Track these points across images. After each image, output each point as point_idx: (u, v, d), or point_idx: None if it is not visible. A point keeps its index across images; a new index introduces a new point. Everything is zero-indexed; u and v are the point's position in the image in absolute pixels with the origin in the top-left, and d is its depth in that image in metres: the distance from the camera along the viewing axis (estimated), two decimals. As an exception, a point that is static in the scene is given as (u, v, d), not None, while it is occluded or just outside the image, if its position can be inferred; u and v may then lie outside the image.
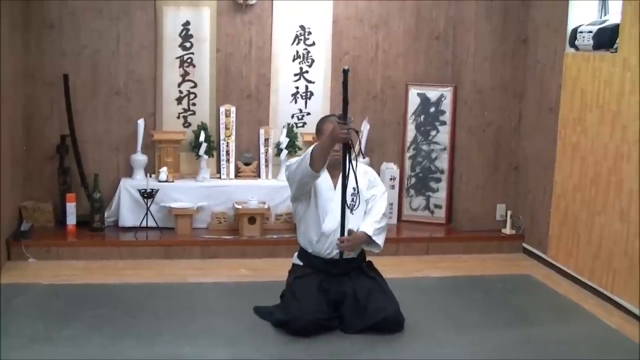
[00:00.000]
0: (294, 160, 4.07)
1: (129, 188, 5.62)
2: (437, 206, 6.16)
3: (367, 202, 4.21)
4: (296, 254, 4.29)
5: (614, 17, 4.88)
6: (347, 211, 3.99)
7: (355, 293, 4.06)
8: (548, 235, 5.47)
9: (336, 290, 4.08)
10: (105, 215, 5.64)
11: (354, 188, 4.04)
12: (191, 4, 5.79)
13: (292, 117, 6.05)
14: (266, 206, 5.66)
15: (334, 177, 4.11)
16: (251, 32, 5.93)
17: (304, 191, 4.06)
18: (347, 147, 3.80)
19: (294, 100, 6.05)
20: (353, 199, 4.10)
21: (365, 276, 4.15)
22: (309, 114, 6.04)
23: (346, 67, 3.69)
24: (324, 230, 4.08)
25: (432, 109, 6.12)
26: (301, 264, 4.21)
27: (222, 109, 5.92)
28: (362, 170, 4.24)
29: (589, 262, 4.92)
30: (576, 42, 5.06)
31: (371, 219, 4.15)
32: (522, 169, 5.97)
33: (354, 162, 3.87)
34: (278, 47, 5.97)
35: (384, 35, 6.09)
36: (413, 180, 6.18)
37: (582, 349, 3.97)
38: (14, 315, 4.13)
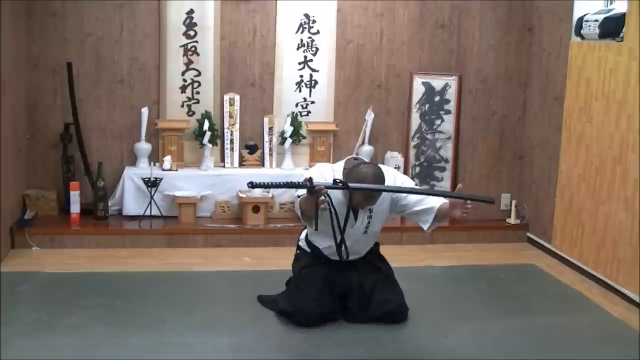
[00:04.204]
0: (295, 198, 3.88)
1: (132, 176, 5.62)
2: (442, 195, 6.14)
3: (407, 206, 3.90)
4: (303, 236, 4.16)
5: (620, 6, 4.84)
6: (363, 231, 3.92)
7: (362, 285, 4.03)
8: (552, 224, 5.46)
9: (342, 283, 4.04)
10: (109, 204, 5.65)
11: (370, 210, 3.85)
12: (195, -8, 5.77)
13: (297, 105, 6.03)
14: (270, 195, 5.65)
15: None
16: (255, 20, 5.90)
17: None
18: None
19: (298, 89, 6.02)
20: (369, 221, 3.91)
21: (372, 267, 4.10)
22: (313, 102, 6.02)
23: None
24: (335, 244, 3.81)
25: (437, 98, 6.09)
26: (308, 250, 4.12)
27: (226, 98, 5.90)
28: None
29: (594, 252, 4.90)
30: (582, 31, 5.03)
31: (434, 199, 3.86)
32: (526, 158, 5.96)
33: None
34: (282, 35, 5.94)
35: (388, 23, 6.05)
36: (417, 169, 6.16)
37: (585, 338, 3.97)
38: (17, 303, 4.14)
